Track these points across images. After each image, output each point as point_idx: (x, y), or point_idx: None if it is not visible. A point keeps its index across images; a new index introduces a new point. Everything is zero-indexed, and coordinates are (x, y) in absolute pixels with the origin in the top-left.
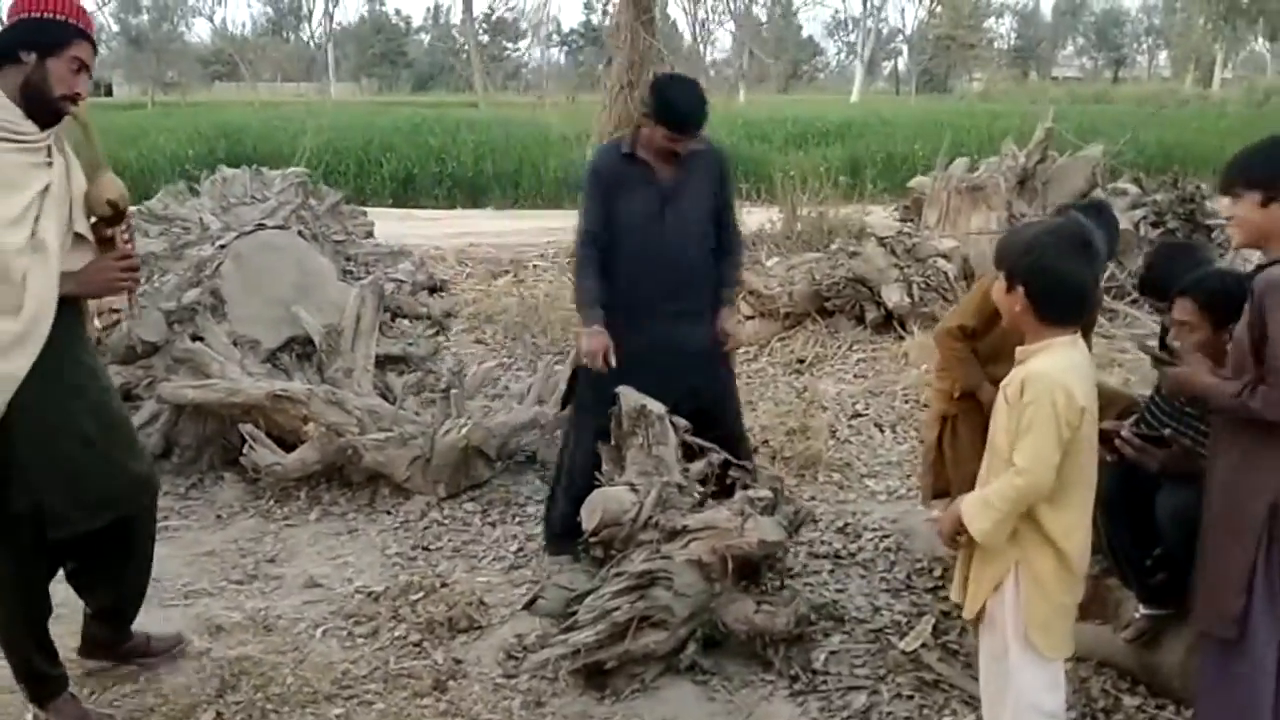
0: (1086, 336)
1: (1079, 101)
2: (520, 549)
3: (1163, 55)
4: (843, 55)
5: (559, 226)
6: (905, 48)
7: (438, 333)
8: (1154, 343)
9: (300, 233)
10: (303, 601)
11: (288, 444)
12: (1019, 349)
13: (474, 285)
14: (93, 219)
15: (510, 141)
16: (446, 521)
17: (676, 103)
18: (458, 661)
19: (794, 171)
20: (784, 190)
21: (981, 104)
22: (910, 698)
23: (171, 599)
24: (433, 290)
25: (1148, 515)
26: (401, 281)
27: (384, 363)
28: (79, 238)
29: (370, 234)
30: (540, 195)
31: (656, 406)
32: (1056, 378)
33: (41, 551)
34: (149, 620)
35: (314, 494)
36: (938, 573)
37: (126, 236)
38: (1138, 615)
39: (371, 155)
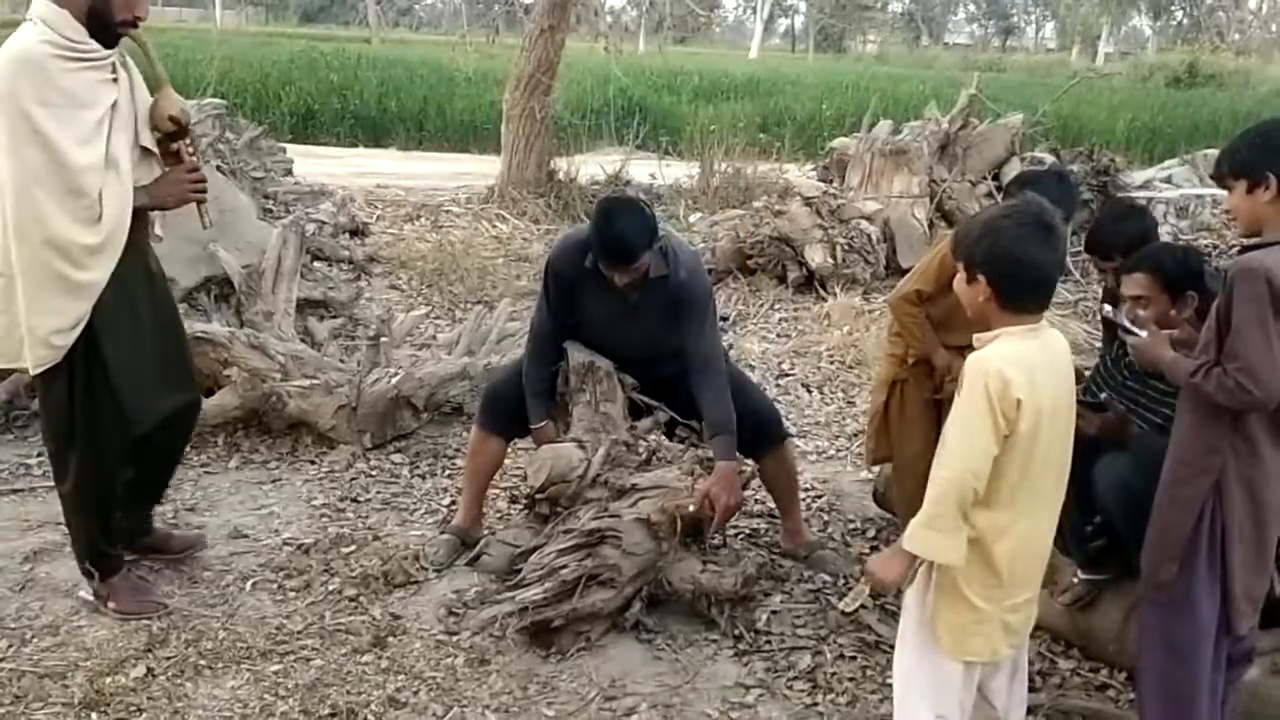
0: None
1: (971, 68)
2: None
3: (1049, 26)
4: (740, 10)
5: (468, 170)
6: (803, 5)
7: (358, 277)
8: (1105, 306)
9: (218, 167)
10: (229, 553)
11: (202, 388)
12: (976, 336)
13: (385, 229)
14: (157, 135)
15: (414, 80)
16: (374, 473)
17: (607, 237)
18: (396, 617)
19: (714, 126)
20: (702, 145)
21: (879, 66)
22: (853, 658)
23: None
24: (354, 233)
25: (1089, 483)
26: (322, 223)
27: (304, 306)
28: (145, 152)
29: (289, 172)
30: (446, 137)
31: (604, 363)
32: (992, 365)
33: (122, 445)
34: (63, 571)
35: (232, 440)
36: (871, 533)
37: (191, 150)
38: (1075, 580)
39: (270, 89)
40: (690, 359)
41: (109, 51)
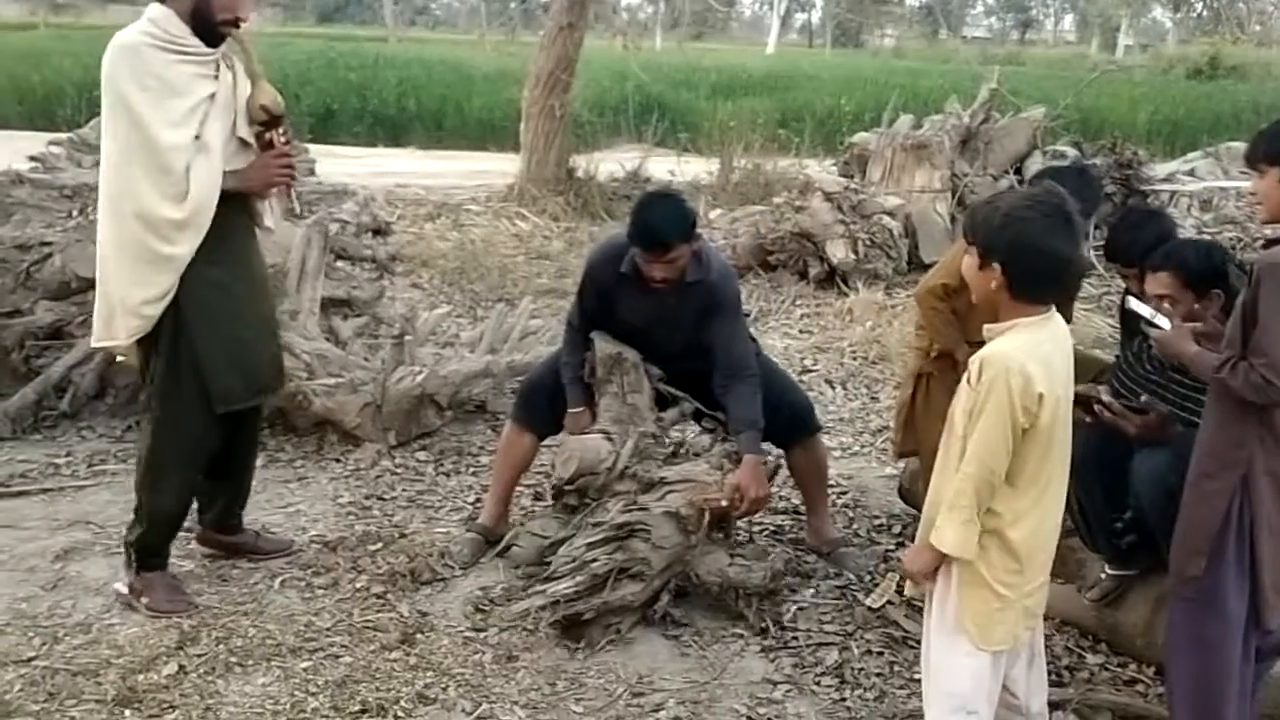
0: (1070, 305)
1: (990, 62)
2: (478, 499)
3: (1068, 19)
4: (757, 5)
5: (487, 169)
6: (819, 0)
7: (381, 276)
8: (1129, 297)
9: None
10: None
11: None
12: (986, 327)
13: (407, 228)
14: (255, 129)
15: (432, 79)
16: (399, 470)
17: (642, 223)
18: (423, 614)
19: (733, 123)
20: (720, 141)
21: (897, 60)
22: (880, 654)
23: (117, 547)
24: (376, 232)
25: (1120, 478)
26: (345, 222)
27: (327, 306)
28: (243, 143)
29: (312, 171)
30: (465, 135)
31: (631, 354)
32: (1015, 360)
33: (213, 430)
34: (94, 569)
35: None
36: (896, 529)
37: (285, 139)
38: (1103, 576)
39: (288, 89)
40: (720, 361)
41: (210, 49)
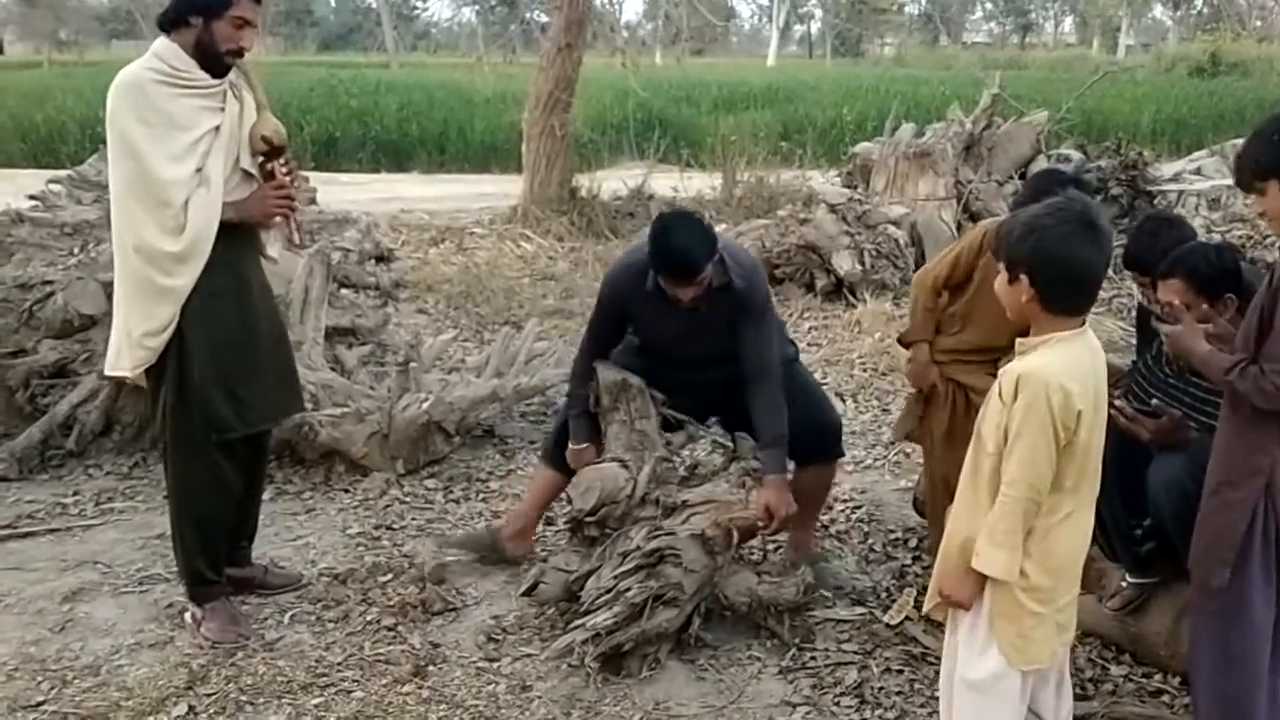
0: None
1: (991, 67)
2: (488, 526)
3: (1068, 21)
4: (756, 18)
5: (490, 191)
6: (819, 11)
7: (385, 303)
8: (1135, 317)
9: None
10: None
11: None
12: (1019, 340)
13: (411, 253)
14: (258, 160)
15: (433, 103)
16: (408, 499)
17: (667, 251)
18: (435, 645)
19: (735, 137)
20: (722, 155)
21: (897, 69)
22: (900, 671)
23: (126, 586)
24: (379, 259)
25: (1138, 484)
26: (348, 250)
27: (332, 335)
28: (247, 174)
29: (313, 200)
30: (467, 159)
31: (636, 380)
32: (1054, 377)
33: (227, 456)
34: (102, 610)
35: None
36: (912, 543)
37: (286, 169)
38: (1124, 585)
39: (290, 117)
40: (744, 365)
41: (216, 81)
